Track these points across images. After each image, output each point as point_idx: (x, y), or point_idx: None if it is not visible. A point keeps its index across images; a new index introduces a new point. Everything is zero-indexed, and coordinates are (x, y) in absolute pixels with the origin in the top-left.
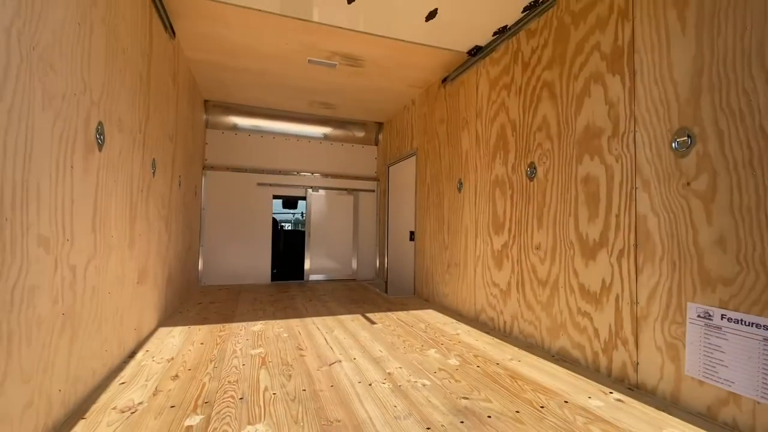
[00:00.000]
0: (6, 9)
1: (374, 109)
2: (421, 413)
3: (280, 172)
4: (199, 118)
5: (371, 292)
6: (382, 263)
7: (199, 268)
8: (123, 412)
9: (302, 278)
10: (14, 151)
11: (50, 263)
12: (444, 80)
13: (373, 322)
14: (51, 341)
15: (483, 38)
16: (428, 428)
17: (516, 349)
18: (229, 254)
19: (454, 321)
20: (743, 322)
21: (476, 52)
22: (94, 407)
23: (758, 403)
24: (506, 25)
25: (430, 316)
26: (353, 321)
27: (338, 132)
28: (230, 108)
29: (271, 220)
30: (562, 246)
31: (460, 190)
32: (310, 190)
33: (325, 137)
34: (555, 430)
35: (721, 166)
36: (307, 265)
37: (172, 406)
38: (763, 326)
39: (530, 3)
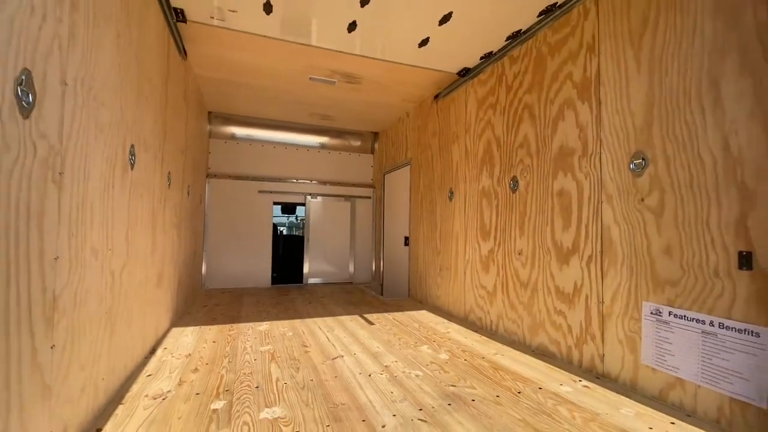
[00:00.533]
0: (75, 62)
1: (370, 120)
2: (414, 398)
3: (280, 180)
4: (203, 129)
5: (368, 294)
6: (377, 267)
7: (203, 272)
8: (155, 398)
9: (301, 281)
10: (79, 177)
11: (98, 270)
12: (436, 96)
13: (370, 322)
14: (98, 336)
15: (471, 61)
16: (420, 409)
17: (500, 345)
18: (231, 259)
19: (446, 321)
20: (686, 318)
21: (465, 73)
22: (129, 395)
23: (699, 386)
24: (492, 51)
25: (424, 316)
26: (352, 321)
27: (336, 141)
28: (233, 119)
29: (271, 225)
30: (540, 252)
31: (451, 199)
32: (309, 197)
33: (323, 146)
34: (528, 410)
35: (668, 185)
36: (306, 269)
37: (197, 394)
38: (701, 321)
39: (512, 33)
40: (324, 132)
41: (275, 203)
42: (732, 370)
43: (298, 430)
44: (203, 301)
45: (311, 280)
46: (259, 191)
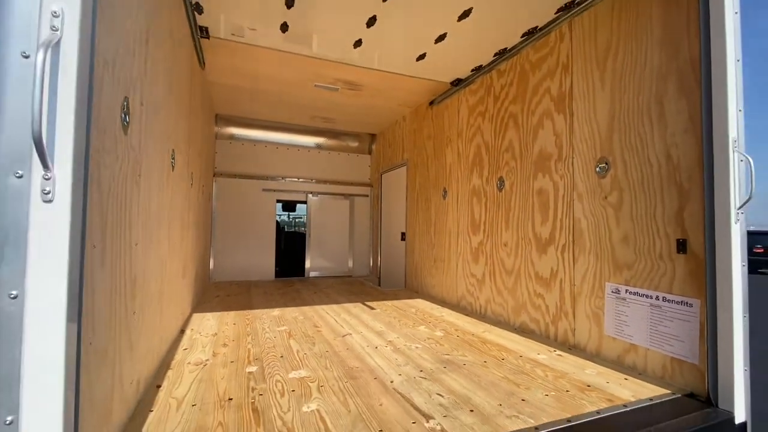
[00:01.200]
0: (146, 86)
1: (369, 122)
2: (415, 363)
3: (283, 179)
4: (212, 131)
5: (367, 285)
6: (375, 261)
7: (211, 266)
8: (197, 365)
9: (303, 275)
10: (147, 178)
11: (155, 257)
12: (431, 102)
13: (372, 308)
14: (154, 312)
15: (463, 73)
16: (421, 371)
17: (488, 325)
18: (237, 253)
19: (440, 307)
20: (638, 294)
21: (458, 83)
22: (174, 362)
23: (648, 349)
24: (481, 65)
25: (420, 303)
26: (355, 307)
27: (336, 142)
28: (239, 121)
29: (275, 222)
30: (522, 243)
31: (444, 197)
32: (310, 195)
33: (324, 147)
34: (510, 371)
35: (625, 185)
36: (307, 263)
37: (231, 362)
38: (649, 296)
39: (500, 50)
40: (325, 134)
41: (278, 201)
42: (672, 334)
43: (322, 385)
44: (214, 292)
45: (312, 274)
46: (263, 189)
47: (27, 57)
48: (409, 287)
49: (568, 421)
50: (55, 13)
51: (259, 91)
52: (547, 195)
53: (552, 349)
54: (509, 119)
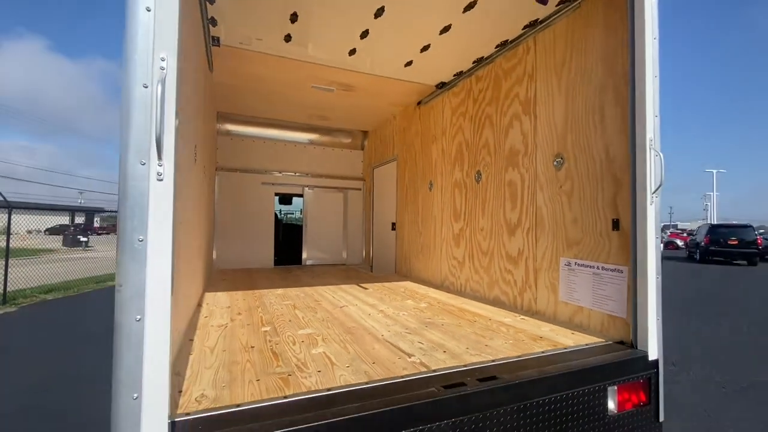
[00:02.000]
0: (183, 92)
1: (361, 120)
2: (402, 324)
3: (280, 173)
4: (214, 127)
5: (360, 271)
6: (368, 250)
7: (213, 255)
8: (219, 327)
9: (300, 263)
10: (186, 170)
11: (196, 236)
12: (419, 103)
13: (365, 288)
14: (191, 281)
15: (446, 77)
16: (406, 329)
17: (466, 299)
18: (238, 243)
19: (426, 287)
20: (584, 266)
21: (442, 86)
22: (199, 325)
23: (591, 310)
24: (462, 70)
25: (408, 285)
26: (350, 288)
27: (330, 139)
28: (239, 118)
29: (273, 214)
30: (496, 228)
31: (430, 189)
32: (306, 189)
33: (320, 143)
34: (479, 328)
35: (575, 177)
36: (304, 253)
37: (248, 324)
38: (592, 267)
39: (477, 59)
40: (320, 131)
41: (276, 194)
42: (608, 296)
43: (326, 338)
44: (220, 277)
45: (308, 263)
46: (262, 183)
47: (146, 87)
48: (399, 272)
49: (518, 357)
50: (162, 58)
51: (259, 91)
52: (515, 186)
53: (518, 315)
54: (485, 119)
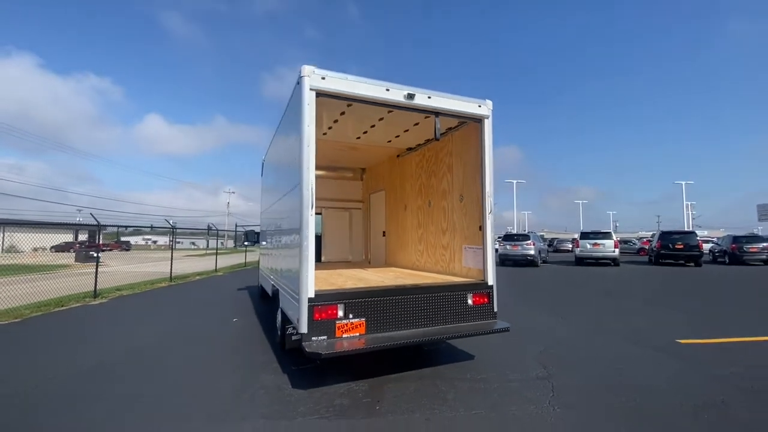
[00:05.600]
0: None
1: (361, 162)
2: (386, 278)
3: None
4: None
5: (362, 264)
6: (366, 251)
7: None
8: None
9: (320, 261)
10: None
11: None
12: (398, 156)
13: (365, 269)
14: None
15: (412, 145)
16: (388, 279)
17: (423, 272)
18: None
19: (402, 269)
20: (469, 248)
21: (410, 149)
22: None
23: (471, 267)
24: (420, 143)
25: (392, 268)
26: (356, 270)
27: (340, 173)
28: None
29: None
30: (436, 232)
31: (405, 210)
32: (324, 209)
33: (333, 177)
34: (419, 279)
35: (467, 205)
36: (323, 256)
37: (324, 278)
38: (472, 248)
39: (427, 139)
40: (333, 169)
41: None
42: (476, 261)
43: (350, 278)
44: None
45: (325, 259)
46: None
47: (311, 208)
48: (387, 263)
49: (437, 282)
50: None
51: None
52: (445, 209)
53: (446, 275)
54: (432, 172)
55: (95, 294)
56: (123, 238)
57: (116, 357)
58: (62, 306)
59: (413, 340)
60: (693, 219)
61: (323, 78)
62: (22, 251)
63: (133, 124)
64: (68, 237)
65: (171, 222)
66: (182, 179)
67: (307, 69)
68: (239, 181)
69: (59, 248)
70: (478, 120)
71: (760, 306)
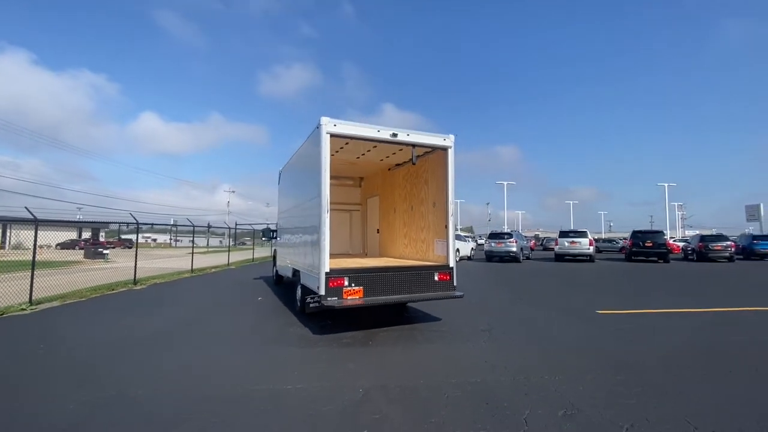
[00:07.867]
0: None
1: (360, 173)
2: (378, 263)
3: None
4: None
5: (360, 255)
6: (363, 244)
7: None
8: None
9: None
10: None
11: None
12: (389, 169)
13: (363, 258)
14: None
15: (400, 162)
16: (380, 262)
17: (407, 260)
18: None
19: (393, 258)
20: (440, 241)
21: (397, 165)
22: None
23: (439, 254)
24: (405, 161)
25: (384, 258)
26: (355, 258)
27: (342, 181)
28: None
29: None
30: (417, 229)
31: (394, 212)
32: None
33: (336, 184)
34: (403, 262)
35: (439, 210)
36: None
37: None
38: (441, 241)
39: (406, 160)
40: (339, 178)
41: None
42: (443, 249)
43: (357, 262)
44: None
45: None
46: None
47: (327, 213)
48: (380, 255)
49: (414, 264)
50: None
51: None
52: (423, 213)
53: (424, 261)
54: (413, 184)
55: (135, 281)
56: (123, 236)
57: (184, 319)
58: (113, 290)
59: (394, 299)
60: (685, 219)
61: (335, 125)
62: (28, 248)
63: (128, 122)
64: (72, 234)
65: (190, 220)
66: (178, 177)
67: (324, 119)
68: (237, 180)
69: (65, 246)
70: (444, 149)
71: (689, 292)
